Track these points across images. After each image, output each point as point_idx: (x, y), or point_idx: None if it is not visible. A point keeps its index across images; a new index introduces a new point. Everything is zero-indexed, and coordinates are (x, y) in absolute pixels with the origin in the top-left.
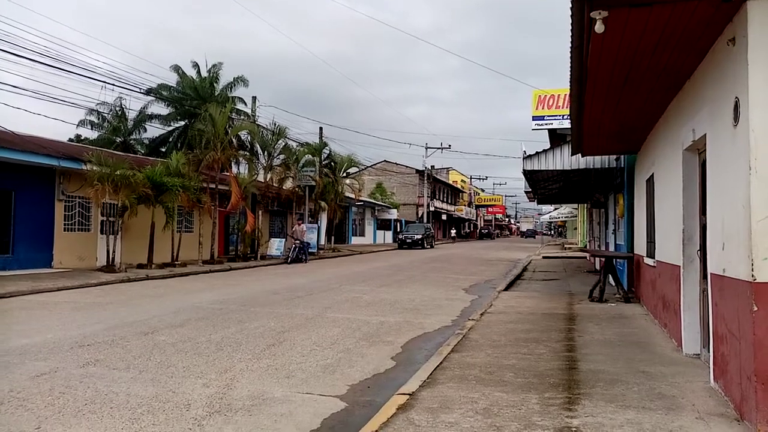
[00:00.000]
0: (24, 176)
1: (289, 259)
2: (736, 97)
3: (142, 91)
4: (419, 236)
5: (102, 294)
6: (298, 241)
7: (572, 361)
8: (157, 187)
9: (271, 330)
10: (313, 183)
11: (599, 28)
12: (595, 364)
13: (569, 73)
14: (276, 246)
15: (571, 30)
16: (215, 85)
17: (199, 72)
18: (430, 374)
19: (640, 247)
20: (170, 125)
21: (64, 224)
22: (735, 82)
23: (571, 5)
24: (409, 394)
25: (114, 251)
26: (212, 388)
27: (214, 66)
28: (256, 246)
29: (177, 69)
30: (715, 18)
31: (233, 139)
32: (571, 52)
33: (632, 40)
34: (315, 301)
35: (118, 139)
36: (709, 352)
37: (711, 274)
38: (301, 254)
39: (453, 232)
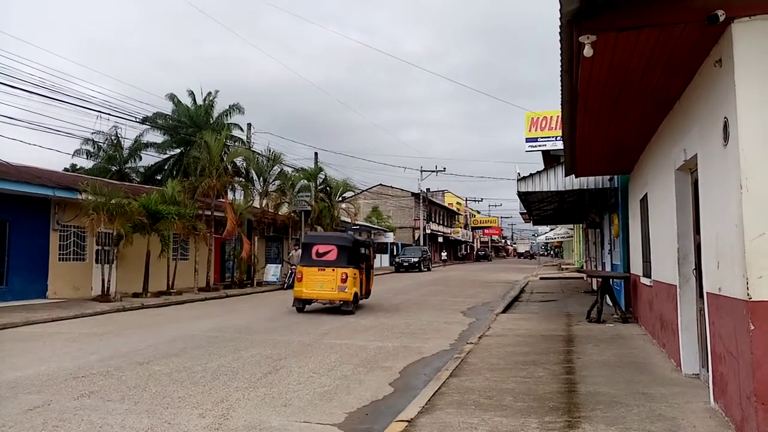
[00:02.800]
0: (19, 207)
1: (286, 285)
2: (725, 117)
3: (137, 120)
4: (416, 259)
5: (97, 324)
6: (294, 267)
7: (571, 383)
8: (152, 215)
9: (268, 357)
10: (309, 208)
11: (588, 52)
12: (595, 386)
13: (560, 96)
14: (272, 272)
15: (561, 54)
16: (211, 112)
17: (194, 100)
18: (429, 400)
19: (636, 266)
20: (166, 153)
21: (59, 254)
22: (723, 103)
23: (560, 30)
24: (407, 421)
25: (109, 280)
26: (208, 419)
27: (209, 94)
28: (252, 272)
29: (172, 97)
30: (701, 40)
31: (228, 166)
32: (561, 75)
33: (621, 63)
34: (312, 327)
35: (114, 168)
36: (708, 372)
37: (707, 293)
38: None
39: (444, 254)
